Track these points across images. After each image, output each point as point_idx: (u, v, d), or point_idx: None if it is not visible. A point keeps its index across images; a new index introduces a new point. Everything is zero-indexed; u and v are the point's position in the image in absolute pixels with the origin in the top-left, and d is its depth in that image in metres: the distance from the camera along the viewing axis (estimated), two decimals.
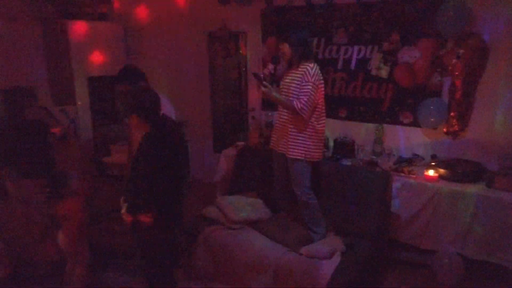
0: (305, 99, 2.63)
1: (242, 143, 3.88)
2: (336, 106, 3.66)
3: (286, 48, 2.74)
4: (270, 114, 3.95)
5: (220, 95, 4.69)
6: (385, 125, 3.45)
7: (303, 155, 2.75)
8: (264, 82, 2.60)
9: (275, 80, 2.90)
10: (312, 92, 2.65)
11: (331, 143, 3.57)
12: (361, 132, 3.58)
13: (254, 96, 4.32)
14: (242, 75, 4.44)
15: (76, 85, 3.81)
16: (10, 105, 2.77)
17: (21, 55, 3.64)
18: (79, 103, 3.89)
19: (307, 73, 2.67)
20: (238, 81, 4.50)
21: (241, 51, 4.37)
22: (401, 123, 3.40)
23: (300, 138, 2.75)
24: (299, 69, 2.72)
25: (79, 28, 3.72)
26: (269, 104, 3.96)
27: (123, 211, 2.23)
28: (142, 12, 4.47)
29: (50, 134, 2.96)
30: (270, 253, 2.71)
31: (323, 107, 2.81)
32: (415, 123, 3.30)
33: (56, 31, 3.72)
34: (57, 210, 2.70)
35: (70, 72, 3.76)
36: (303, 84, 2.66)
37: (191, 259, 3.01)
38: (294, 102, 2.64)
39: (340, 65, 3.61)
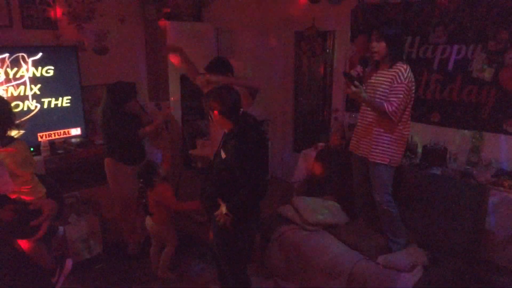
0: (397, 102, 2.49)
1: (322, 144, 3.81)
2: (428, 109, 3.40)
3: (382, 46, 2.57)
4: (353, 115, 3.82)
5: (304, 95, 4.67)
6: (484, 133, 3.10)
7: (388, 159, 2.60)
8: (356, 82, 2.51)
9: (363, 82, 2.78)
10: (405, 95, 2.50)
11: (420, 149, 3.33)
12: (455, 139, 3.27)
13: (338, 96, 4.22)
14: (328, 74, 4.36)
15: (170, 82, 4.10)
16: (113, 97, 3.07)
17: (127, 54, 4.04)
18: (172, 98, 4.18)
19: (400, 74, 2.52)
20: (323, 80, 4.43)
21: (328, 50, 4.30)
22: (505, 132, 3.02)
23: (385, 141, 2.61)
24: (391, 70, 2.58)
25: (175, 28, 3.99)
26: (353, 105, 3.83)
27: (223, 211, 2.20)
28: (232, 12, 4.64)
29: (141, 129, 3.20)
30: (345, 259, 2.63)
31: (410, 111, 2.64)
32: None
33: (156, 31, 4.05)
34: (148, 196, 2.93)
35: (166, 70, 4.05)
36: (395, 85, 2.51)
37: (264, 256, 3.05)
38: (385, 105, 2.51)
39: (435, 66, 3.33)
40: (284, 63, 4.70)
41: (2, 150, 1.58)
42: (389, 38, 2.56)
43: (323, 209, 3.07)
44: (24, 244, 1.66)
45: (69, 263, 1.98)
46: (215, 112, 2.22)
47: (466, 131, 3.20)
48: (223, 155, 2.25)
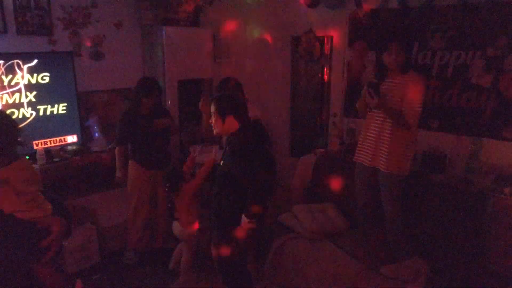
0: (418, 112, 2.51)
1: (322, 150, 3.80)
2: (427, 116, 3.39)
3: (402, 57, 2.56)
4: (352, 121, 3.81)
5: (301, 99, 4.65)
6: (484, 139, 3.11)
7: (401, 169, 2.60)
8: (382, 94, 2.49)
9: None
10: (421, 103, 2.51)
11: (419, 156, 3.32)
12: (454, 145, 3.27)
13: (336, 101, 4.21)
14: (325, 79, 4.34)
15: (167, 88, 4.06)
16: (135, 89, 3.20)
17: (123, 59, 3.99)
18: (168, 103, 4.14)
19: (416, 83, 2.52)
20: (321, 85, 4.42)
21: (325, 55, 4.28)
22: (504, 138, 3.03)
23: (399, 151, 2.60)
24: (405, 78, 2.57)
25: (172, 33, 3.95)
26: (351, 110, 3.82)
27: (246, 221, 2.18)
28: (230, 18, 4.61)
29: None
30: (348, 269, 2.61)
31: None
32: None
33: (153, 36, 4.01)
34: (175, 201, 2.88)
35: (163, 75, 4.01)
36: (412, 95, 2.50)
37: (265, 265, 3.02)
38: (407, 115, 2.51)
39: (434, 72, 3.33)
40: (281, 68, 4.68)
41: (6, 168, 1.54)
42: (402, 48, 2.57)
43: (323, 217, 3.05)
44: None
45: (79, 284, 1.93)
46: (229, 115, 2.24)
47: (465, 137, 3.20)
48: (221, 161, 2.26)
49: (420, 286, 2.38)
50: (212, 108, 2.29)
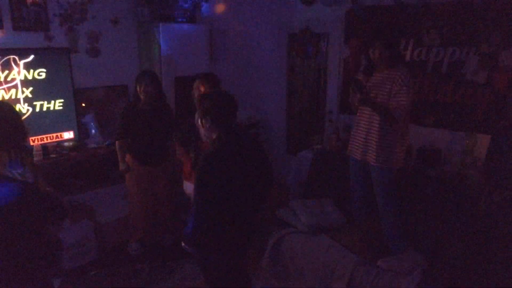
0: (404, 106, 2.51)
1: (318, 146, 3.82)
2: (422, 111, 3.43)
3: (377, 52, 2.60)
4: (348, 117, 3.84)
5: (297, 96, 4.67)
6: (478, 134, 3.15)
7: (391, 162, 2.62)
8: (365, 90, 2.52)
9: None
10: (408, 99, 2.52)
11: (414, 152, 3.36)
12: (449, 140, 3.31)
13: (332, 98, 4.23)
14: (322, 76, 4.37)
15: (163, 85, 4.05)
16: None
17: (120, 56, 3.98)
18: None
19: (402, 77, 2.54)
20: (317, 82, 4.44)
21: (321, 52, 4.31)
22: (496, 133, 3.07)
23: (387, 145, 2.62)
24: (392, 72, 2.60)
25: (169, 30, 3.94)
26: (348, 107, 3.85)
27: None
28: (226, 14, 4.62)
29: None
30: (345, 263, 2.63)
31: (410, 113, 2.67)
32: None
33: (149, 33, 4.00)
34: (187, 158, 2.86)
35: (160, 71, 4.00)
36: (398, 89, 2.53)
37: (262, 259, 3.04)
38: (393, 110, 2.53)
39: (429, 68, 3.37)
40: (277, 65, 4.70)
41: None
42: (384, 45, 2.58)
43: (320, 212, 3.08)
44: None
45: None
46: (206, 117, 1.96)
47: (460, 133, 3.24)
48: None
49: (416, 278, 2.41)
50: (197, 116, 2.04)
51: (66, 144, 3.54)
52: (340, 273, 2.58)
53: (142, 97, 3.18)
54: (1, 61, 3.11)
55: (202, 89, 2.85)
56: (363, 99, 2.49)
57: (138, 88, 3.17)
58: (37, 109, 3.37)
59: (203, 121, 2.00)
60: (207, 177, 1.90)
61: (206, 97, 2.07)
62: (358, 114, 2.84)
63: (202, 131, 2.04)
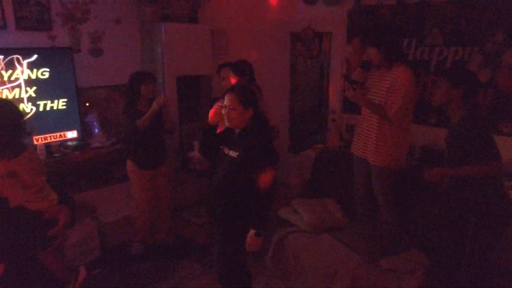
0: (397, 105, 2.49)
1: (321, 145, 3.82)
2: (425, 111, 3.42)
3: (373, 52, 2.60)
4: (351, 117, 3.84)
5: (300, 96, 4.67)
6: None
7: (389, 162, 2.62)
8: (354, 86, 2.52)
9: (364, 85, 2.79)
10: (404, 98, 2.50)
11: (417, 151, 3.35)
12: None
13: (335, 97, 4.23)
14: (324, 76, 4.37)
15: (166, 84, 4.06)
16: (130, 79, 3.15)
17: (123, 55, 3.98)
18: (162, 95, 4.13)
19: (401, 77, 2.52)
20: (319, 81, 4.44)
21: (324, 51, 4.30)
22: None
23: (386, 144, 2.62)
24: (391, 72, 2.59)
25: (171, 29, 3.95)
26: (350, 106, 3.85)
27: (252, 235, 2.17)
28: (228, 14, 4.62)
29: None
30: (348, 262, 2.63)
31: (412, 113, 2.65)
32: None
33: (152, 32, 4.01)
34: None
35: (162, 71, 4.01)
36: (396, 88, 2.52)
37: (265, 258, 3.04)
38: (386, 108, 2.51)
39: (432, 67, 3.36)
40: (280, 64, 4.70)
41: (16, 160, 1.54)
42: (379, 45, 2.57)
43: (323, 211, 3.08)
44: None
45: (83, 271, 1.96)
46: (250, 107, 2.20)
47: None
48: (233, 154, 2.20)
49: (419, 278, 2.41)
50: (232, 98, 2.19)
51: (69, 143, 3.55)
52: (343, 273, 2.58)
53: (145, 97, 3.16)
54: (5, 61, 3.12)
55: (232, 80, 3.12)
56: (355, 96, 2.49)
57: (143, 89, 3.14)
58: (41, 108, 3.38)
59: (241, 108, 2.18)
60: None
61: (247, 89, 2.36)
62: (362, 112, 2.84)
63: (232, 114, 2.18)
